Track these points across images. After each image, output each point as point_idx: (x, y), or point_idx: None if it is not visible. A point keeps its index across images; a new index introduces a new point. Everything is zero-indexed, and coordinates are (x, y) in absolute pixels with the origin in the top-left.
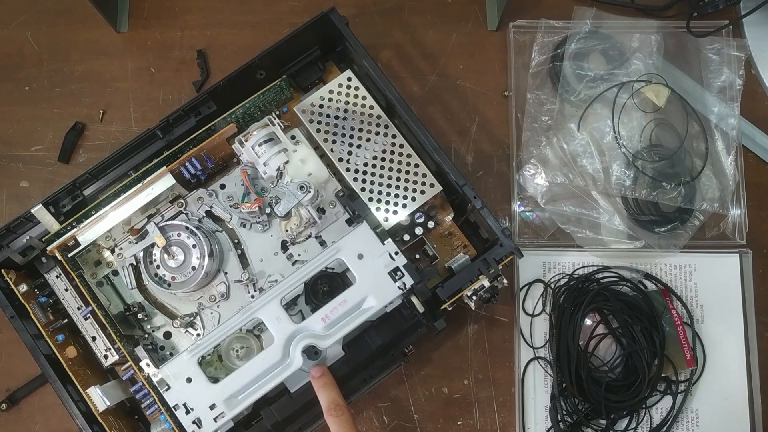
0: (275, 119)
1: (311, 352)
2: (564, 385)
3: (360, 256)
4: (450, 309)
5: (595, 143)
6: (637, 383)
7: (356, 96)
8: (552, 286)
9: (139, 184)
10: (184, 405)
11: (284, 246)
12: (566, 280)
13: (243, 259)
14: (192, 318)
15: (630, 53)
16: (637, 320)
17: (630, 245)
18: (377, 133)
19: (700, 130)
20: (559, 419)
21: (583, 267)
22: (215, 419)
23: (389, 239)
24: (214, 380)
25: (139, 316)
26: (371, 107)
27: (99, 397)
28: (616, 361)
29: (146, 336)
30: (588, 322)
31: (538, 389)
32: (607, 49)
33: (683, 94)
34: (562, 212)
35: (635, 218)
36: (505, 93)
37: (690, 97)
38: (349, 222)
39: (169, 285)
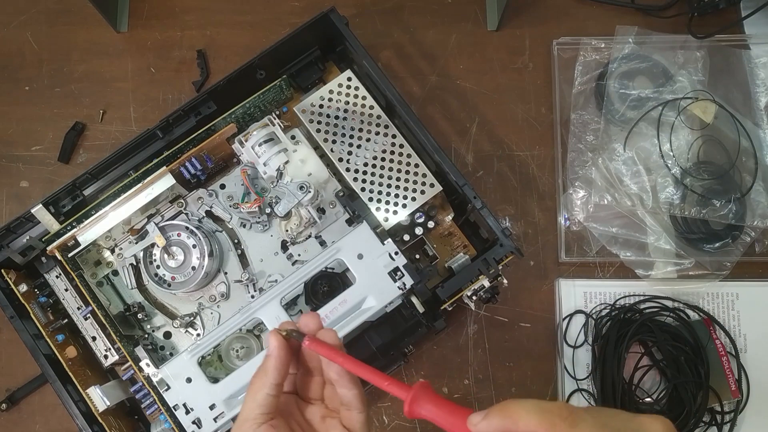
0: (275, 119)
1: None
2: None
3: (360, 256)
4: (450, 309)
5: (642, 162)
6: (683, 415)
7: (356, 96)
8: (594, 316)
9: (139, 184)
10: (184, 405)
11: (284, 246)
12: (608, 310)
13: (243, 259)
14: (192, 318)
15: (675, 70)
16: (681, 351)
17: (679, 264)
18: (377, 133)
19: (749, 145)
20: None
21: (625, 297)
22: (215, 419)
23: (389, 239)
24: (214, 380)
25: (139, 316)
26: (371, 107)
27: (99, 397)
28: (660, 393)
29: (146, 336)
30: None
31: None
32: (650, 68)
33: (731, 109)
34: (609, 233)
35: (684, 237)
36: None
37: (738, 112)
38: (349, 222)
39: (169, 285)
